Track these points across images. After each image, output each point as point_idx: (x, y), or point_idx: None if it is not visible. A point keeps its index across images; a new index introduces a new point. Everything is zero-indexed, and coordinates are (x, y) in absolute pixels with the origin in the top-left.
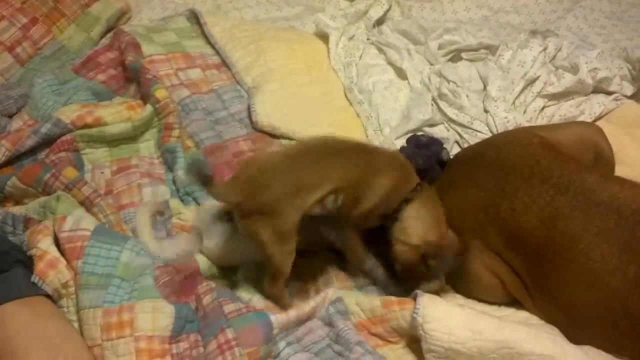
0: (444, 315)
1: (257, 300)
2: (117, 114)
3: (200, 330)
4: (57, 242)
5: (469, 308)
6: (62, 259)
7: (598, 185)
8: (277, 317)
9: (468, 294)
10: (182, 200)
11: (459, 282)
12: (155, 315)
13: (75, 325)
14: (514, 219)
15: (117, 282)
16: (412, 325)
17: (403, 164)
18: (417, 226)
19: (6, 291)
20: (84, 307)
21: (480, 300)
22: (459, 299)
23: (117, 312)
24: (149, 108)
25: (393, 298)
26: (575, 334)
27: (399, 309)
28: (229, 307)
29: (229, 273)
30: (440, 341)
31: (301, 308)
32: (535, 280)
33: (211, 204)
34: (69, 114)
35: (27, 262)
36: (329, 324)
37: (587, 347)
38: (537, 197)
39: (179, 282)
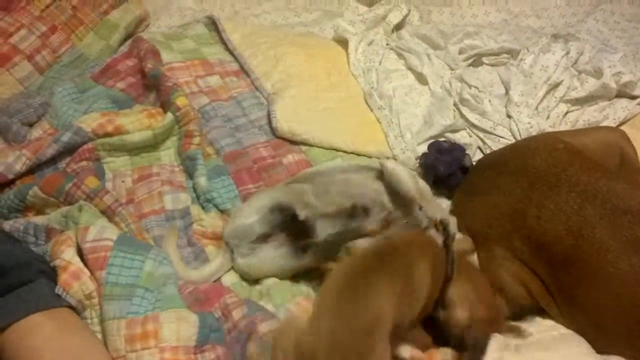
0: None
1: (284, 312)
2: (138, 122)
3: (229, 344)
4: (80, 253)
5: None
6: (85, 269)
7: (626, 193)
8: None
9: None
10: (202, 207)
11: None
12: (179, 325)
13: (99, 336)
14: (541, 227)
15: (141, 293)
16: None
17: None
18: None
19: (32, 302)
20: (108, 318)
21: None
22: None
23: (142, 323)
24: (169, 116)
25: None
26: (602, 344)
27: None
28: (263, 327)
29: (252, 282)
30: None
31: None
32: (562, 289)
33: (241, 221)
34: (89, 123)
35: (51, 273)
36: None
37: (615, 358)
38: (564, 205)
39: (203, 291)
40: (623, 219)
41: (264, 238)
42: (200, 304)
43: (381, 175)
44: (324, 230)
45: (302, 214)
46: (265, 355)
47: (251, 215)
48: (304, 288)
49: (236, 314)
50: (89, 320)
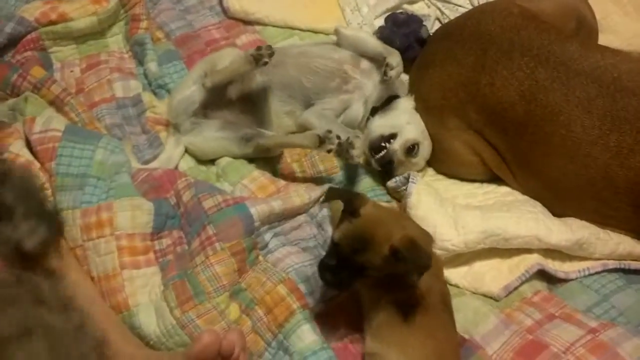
0: (429, 215)
1: (240, 191)
2: (82, 9)
3: (183, 227)
4: (28, 145)
5: (452, 204)
6: (35, 161)
7: (579, 55)
8: (258, 209)
9: (449, 172)
10: (155, 94)
11: (440, 161)
12: (134, 213)
13: None
14: (494, 94)
15: (94, 182)
16: None
17: None
18: None
19: None
20: (62, 209)
21: (461, 178)
22: (443, 179)
23: (96, 212)
24: (113, 0)
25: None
26: (558, 207)
27: None
28: (208, 203)
29: (208, 164)
30: None
31: (289, 201)
32: (516, 156)
33: (185, 94)
34: (32, 12)
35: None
36: (319, 226)
37: (571, 220)
38: (517, 71)
39: (158, 178)
40: (576, 80)
41: (204, 111)
42: (155, 191)
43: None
44: (277, 105)
45: (258, 79)
46: None
47: (188, 86)
48: (259, 163)
49: (186, 197)
50: None
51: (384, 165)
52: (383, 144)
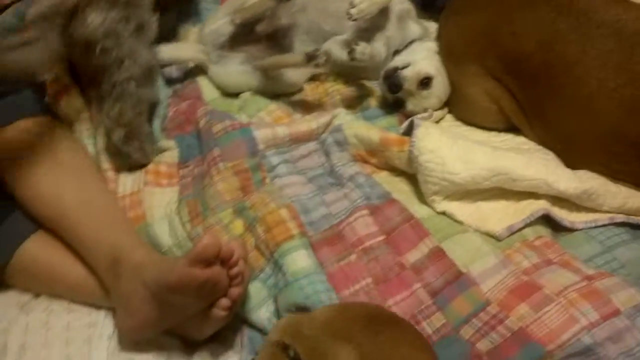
0: (438, 147)
1: (258, 121)
2: None
3: (201, 152)
4: None
5: (463, 139)
6: (74, 85)
7: (602, 6)
8: (261, 132)
9: (467, 119)
10: None
11: (458, 108)
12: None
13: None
14: (514, 43)
15: None
16: (409, 160)
17: None
18: None
19: (17, 109)
20: None
21: (479, 126)
22: (460, 126)
23: None
24: None
25: (392, 135)
26: (570, 159)
27: (396, 150)
28: (216, 127)
29: (232, 97)
30: (434, 172)
31: (294, 126)
32: (533, 106)
33: (215, 26)
34: None
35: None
36: (326, 154)
37: (581, 172)
38: (538, 19)
39: (182, 112)
40: (595, 32)
41: (231, 45)
42: (179, 127)
43: None
44: (300, 46)
45: (283, 21)
46: None
47: (219, 19)
48: (280, 99)
49: (202, 124)
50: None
51: (392, 88)
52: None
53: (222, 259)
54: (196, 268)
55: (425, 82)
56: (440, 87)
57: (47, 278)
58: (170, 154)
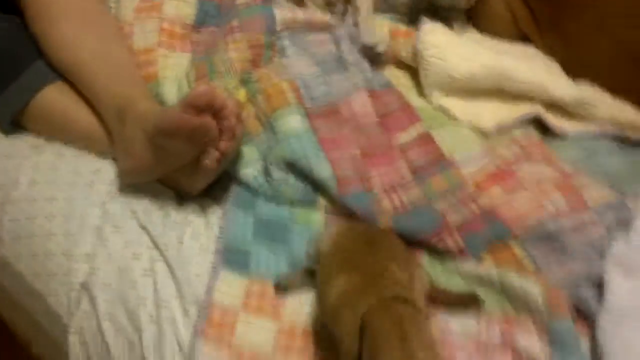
0: (442, 43)
1: None
2: None
3: (218, 23)
4: None
5: (467, 36)
6: None
7: None
8: (282, 13)
9: (481, 27)
10: None
11: (476, 13)
12: (178, 4)
13: None
14: None
15: None
16: (414, 53)
17: None
18: None
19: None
20: None
21: (491, 34)
22: (473, 33)
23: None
24: None
25: (401, 27)
26: (578, 74)
27: (403, 40)
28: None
29: None
30: (436, 66)
31: (313, 14)
32: (547, 16)
33: None
34: None
35: None
36: (336, 43)
37: (581, 81)
38: None
39: None
40: None
41: None
42: None
43: None
44: None
45: None
46: None
47: None
48: None
49: None
50: None
51: None
52: None
53: (215, 110)
54: (188, 113)
55: None
56: None
57: (61, 124)
58: (188, 11)
